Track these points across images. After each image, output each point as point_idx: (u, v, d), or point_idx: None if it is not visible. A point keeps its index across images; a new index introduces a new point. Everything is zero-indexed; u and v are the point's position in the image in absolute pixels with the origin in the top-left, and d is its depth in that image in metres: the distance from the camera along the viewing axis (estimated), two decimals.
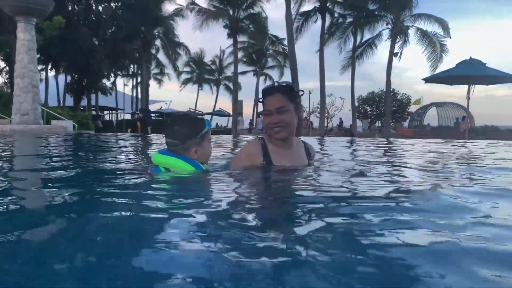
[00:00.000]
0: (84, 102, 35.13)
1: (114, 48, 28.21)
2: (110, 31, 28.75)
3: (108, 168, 3.20)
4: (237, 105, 30.32)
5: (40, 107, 16.95)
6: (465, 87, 17.80)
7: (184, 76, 49.67)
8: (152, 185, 2.10)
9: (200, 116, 2.50)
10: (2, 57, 26.96)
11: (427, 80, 18.50)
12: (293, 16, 26.50)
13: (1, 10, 17.11)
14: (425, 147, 7.27)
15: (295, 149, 2.57)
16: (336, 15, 28.64)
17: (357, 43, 29.38)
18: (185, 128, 2.32)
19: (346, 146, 7.79)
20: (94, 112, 35.70)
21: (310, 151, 2.69)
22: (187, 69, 49.01)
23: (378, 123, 41.00)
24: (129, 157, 4.64)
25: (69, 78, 31.82)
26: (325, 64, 27.39)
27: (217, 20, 25.20)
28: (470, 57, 17.00)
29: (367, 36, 29.46)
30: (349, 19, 28.72)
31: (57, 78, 37.00)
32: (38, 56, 26.61)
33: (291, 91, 2.46)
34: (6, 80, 27.73)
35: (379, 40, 28.31)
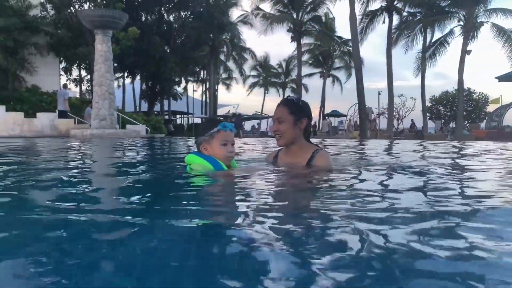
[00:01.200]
0: (157, 107, 37.14)
1: (184, 55, 29.53)
2: (180, 39, 30.12)
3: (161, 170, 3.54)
4: None
5: (116, 112, 18.25)
6: None
7: (251, 80, 50.70)
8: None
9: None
10: (84, 67, 29.33)
11: (501, 78, 17.38)
12: (360, 16, 26.17)
13: (82, 24, 18.69)
14: (488, 149, 6.95)
15: (295, 156, 2.77)
16: (404, 13, 27.80)
17: (428, 42, 28.28)
18: (200, 128, 2.67)
19: (388, 149, 7.61)
20: (166, 117, 37.59)
21: (315, 161, 2.69)
22: (254, 73, 49.95)
23: (452, 124, 38.96)
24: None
25: (143, 85, 33.79)
26: (397, 63, 27.07)
27: (282, 24, 25.48)
28: None
29: (437, 34, 28.28)
30: (418, 17, 27.73)
31: (133, 85, 39.48)
32: (116, 65, 28.76)
33: (293, 105, 2.74)
34: (87, 88, 30.05)
35: (451, 37, 27.02)
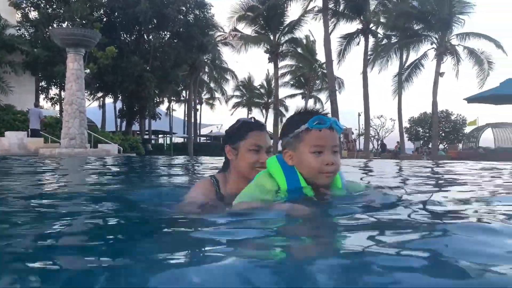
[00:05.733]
0: (138, 127, 37.08)
1: (163, 74, 29.65)
2: (159, 59, 30.28)
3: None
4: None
5: (87, 131, 18.12)
6: None
7: (234, 100, 51.00)
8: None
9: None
10: (62, 86, 29.24)
11: (469, 100, 17.71)
12: (339, 39, 26.65)
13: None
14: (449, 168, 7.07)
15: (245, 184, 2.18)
16: (380, 36, 28.42)
17: (404, 64, 28.84)
18: (288, 124, 1.78)
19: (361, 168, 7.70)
20: (146, 136, 37.48)
21: None
22: (237, 93, 50.26)
23: (430, 145, 39.49)
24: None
25: (122, 104, 33.75)
26: (379, 84, 27.26)
27: (259, 46, 25.83)
28: None
29: (413, 56, 28.91)
30: (393, 40, 28.36)
31: (115, 104, 39.39)
32: (97, 85, 28.78)
33: None
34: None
35: (425, 60, 27.66)
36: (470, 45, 25.66)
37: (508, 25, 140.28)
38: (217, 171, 2.30)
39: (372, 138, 37.89)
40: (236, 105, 51.55)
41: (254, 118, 2.29)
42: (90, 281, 0.85)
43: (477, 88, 24.44)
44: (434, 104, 25.76)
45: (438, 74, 25.18)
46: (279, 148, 1.79)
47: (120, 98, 32.47)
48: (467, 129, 37.11)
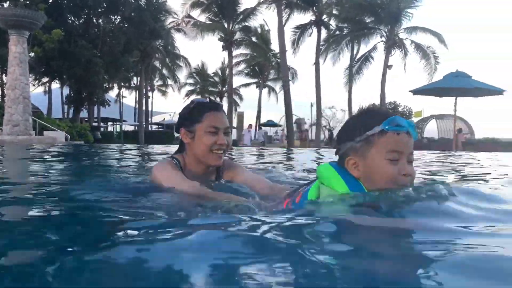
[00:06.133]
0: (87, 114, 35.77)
1: (113, 60, 28.69)
2: (109, 43, 29.27)
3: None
4: (238, 117, 30.48)
5: (31, 118, 17.29)
6: (469, 99, 17.91)
7: (188, 88, 50.26)
8: None
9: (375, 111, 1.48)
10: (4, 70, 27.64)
11: (414, 92, 18.48)
12: (292, 29, 26.87)
13: None
14: None
15: (209, 175, 2.19)
16: (332, 27, 28.95)
17: (355, 56, 29.59)
18: (344, 126, 1.51)
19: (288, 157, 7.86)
20: (95, 124, 36.24)
21: (226, 177, 2.22)
22: (191, 81, 49.56)
23: None
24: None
25: (69, 90, 32.43)
26: (331, 76, 27.81)
27: (212, 33, 25.59)
28: (457, 70, 17.02)
29: (364, 49, 29.72)
30: (345, 32, 28.99)
31: (62, 90, 37.71)
32: (43, 70, 27.37)
33: None
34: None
35: (374, 52, 28.52)
36: (417, 40, 26.73)
37: (449, 20, 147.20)
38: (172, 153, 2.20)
39: (323, 128, 38.69)
40: (189, 93, 50.81)
41: (209, 97, 2.20)
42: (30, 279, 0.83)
43: (424, 82, 25.54)
44: (382, 95, 26.69)
45: (387, 66, 26.06)
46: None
47: (67, 83, 31.16)
48: (413, 120, 38.73)
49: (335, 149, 1.49)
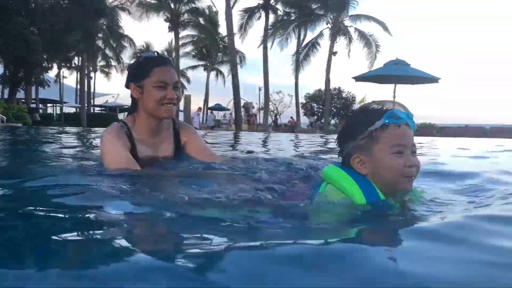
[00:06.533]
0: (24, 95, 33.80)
1: (53, 39, 27.25)
2: (48, 22, 27.71)
3: None
4: (186, 100, 30.01)
5: None
6: (409, 86, 18.79)
7: None
8: None
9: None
10: None
11: (357, 78, 19.13)
12: (240, 12, 26.76)
13: None
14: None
15: (163, 137, 2.21)
16: (279, 12, 29.14)
17: (302, 42, 30.01)
18: (346, 125, 1.54)
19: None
20: (33, 105, 34.38)
21: (183, 136, 2.28)
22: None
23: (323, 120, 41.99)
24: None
25: (4, 69, 30.48)
26: (281, 60, 28.04)
27: (158, 14, 24.96)
28: (397, 58, 17.79)
29: (311, 35, 30.21)
30: (293, 17, 29.28)
31: None
32: None
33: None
34: None
35: (321, 39, 29.09)
36: (361, 27, 27.55)
37: (395, 9, 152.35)
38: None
39: (271, 113, 39.17)
40: None
41: (157, 52, 2.19)
42: None
43: (366, 68, 26.48)
44: (327, 81, 27.38)
45: (332, 53, 26.71)
46: None
47: (1, 62, 29.22)
48: (356, 106, 40.12)
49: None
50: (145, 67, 2.05)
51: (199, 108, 30.80)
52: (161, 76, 2.02)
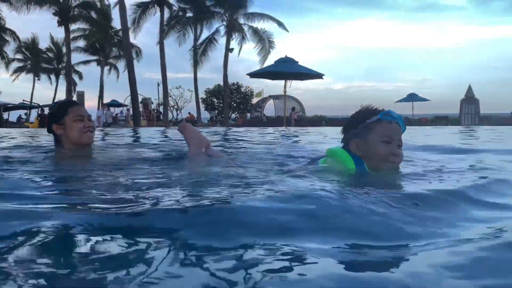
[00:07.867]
0: None
1: None
2: None
3: None
4: (79, 97, 28.65)
5: None
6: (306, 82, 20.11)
7: (16, 64, 44.95)
8: None
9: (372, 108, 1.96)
10: None
11: (251, 75, 20.16)
12: (133, 6, 26.27)
13: None
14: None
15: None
16: (175, 8, 29.13)
17: (198, 38, 30.35)
18: (351, 117, 2.00)
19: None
20: None
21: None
22: (20, 56, 44.43)
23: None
24: None
25: None
26: (180, 55, 27.89)
27: (41, 7, 23.45)
28: (286, 56, 19.11)
29: (207, 32, 30.63)
30: (189, 14, 29.47)
31: None
32: None
33: None
34: None
35: (218, 35, 29.69)
36: (256, 25, 28.63)
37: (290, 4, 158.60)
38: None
39: (172, 108, 39.00)
40: (18, 70, 45.57)
41: (67, 99, 2.94)
42: None
43: (261, 64, 27.63)
44: (225, 76, 28.15)
45: (228, 49, 27.50)
46: None
47: None
48: (254, 100, 41.65)
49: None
50: (62, 109, 2.64)
51: (104, 105, 29.75)
52: (77, 112, 2.61)
